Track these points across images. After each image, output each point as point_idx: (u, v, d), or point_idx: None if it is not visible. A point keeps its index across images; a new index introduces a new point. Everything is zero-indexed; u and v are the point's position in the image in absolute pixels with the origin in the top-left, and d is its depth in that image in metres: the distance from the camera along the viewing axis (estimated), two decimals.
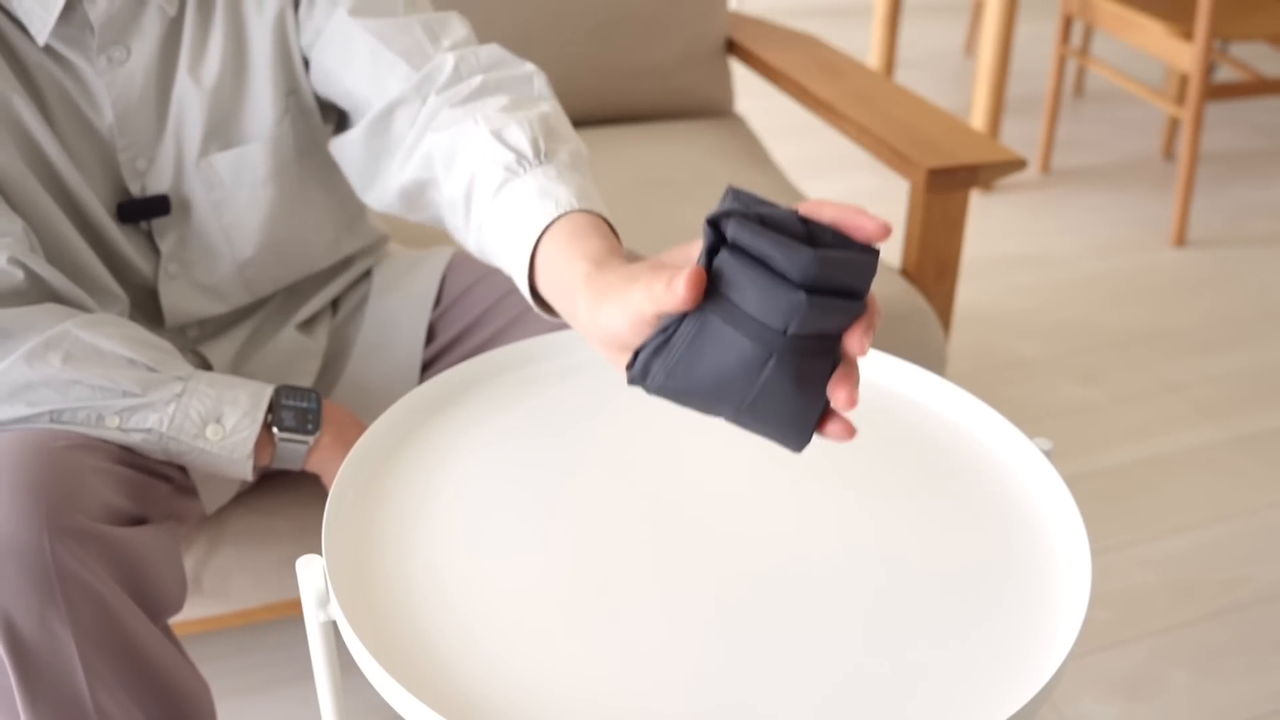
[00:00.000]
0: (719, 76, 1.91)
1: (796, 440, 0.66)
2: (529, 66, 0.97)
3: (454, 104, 0.93)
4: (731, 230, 0.62)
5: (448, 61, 0.96)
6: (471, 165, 0.88)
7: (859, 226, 0.62)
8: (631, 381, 0.67)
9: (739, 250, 0.62)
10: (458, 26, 1.00)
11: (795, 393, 0.63)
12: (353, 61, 0.99)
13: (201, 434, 0.93)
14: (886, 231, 0.61)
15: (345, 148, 1.02)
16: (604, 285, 0.70)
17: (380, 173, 1.00)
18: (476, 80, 0.94)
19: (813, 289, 0.60)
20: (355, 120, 1.02)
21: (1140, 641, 1.52)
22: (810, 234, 0.62)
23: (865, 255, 0.61)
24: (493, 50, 0.98)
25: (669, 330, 0.65)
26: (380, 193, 1.01)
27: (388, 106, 0.97)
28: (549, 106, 0.92)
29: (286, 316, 1.16)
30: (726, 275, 0.62)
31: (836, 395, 0.64)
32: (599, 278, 0.71)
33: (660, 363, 0.65)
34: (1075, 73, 3.39)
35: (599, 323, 0.69)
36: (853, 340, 0.63)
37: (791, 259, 0.60)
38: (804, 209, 0.63)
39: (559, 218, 0.80)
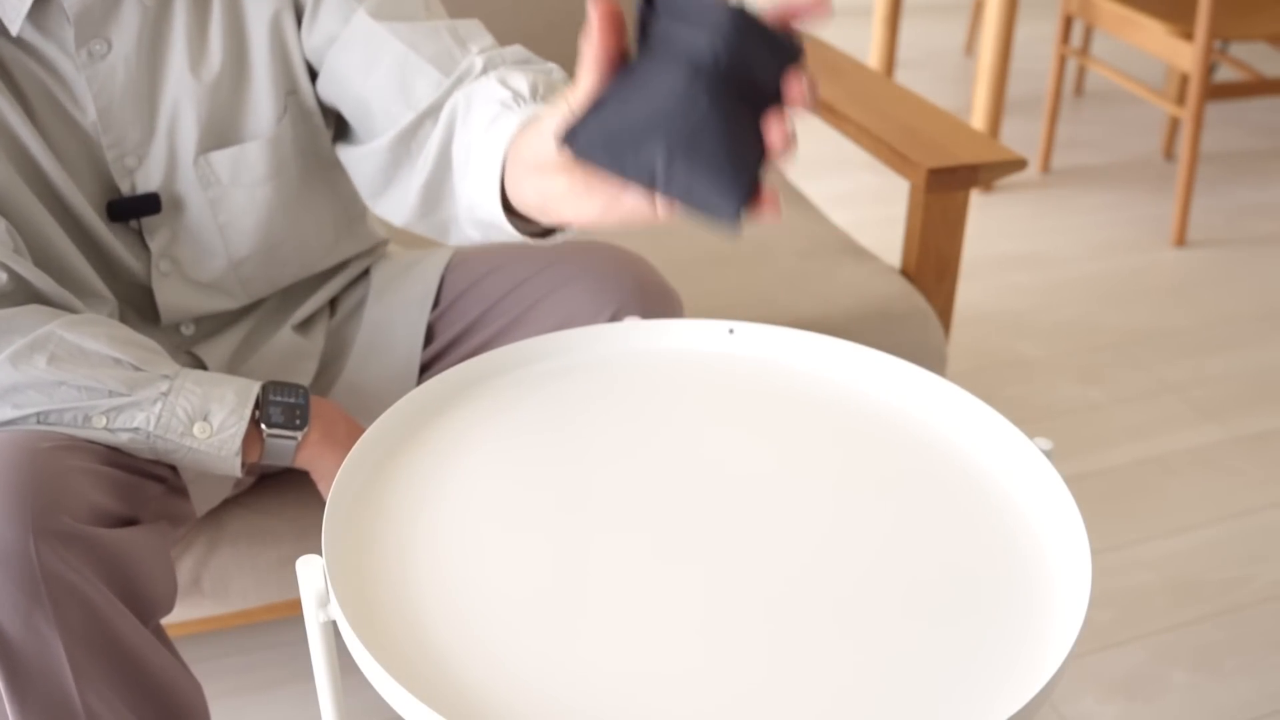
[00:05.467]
0: None
1: (731, 191, 0.62)
2: (551, 65, 0.99)
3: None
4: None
5: (477, 63, 0.97)
6: (475, 110, 0.90)
7: (793, 9, 0.63)
8: (560, 144, 0.65)
9: (666, 6, 0.63)
10: (481, 34, 1.01)
11: (726, 127, 0.61)
12: (376, 66, 0.98)
13: (189, 432, 0.92)
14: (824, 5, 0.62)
15: (364, 158, 1.01)
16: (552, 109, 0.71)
17: (399, 178, 1.01)
18: (501, 69, 0.96)
19: (735, 23, 0.61)
20: (362, 127, 1.02)
21: (1140, 641, 1.52)
22: None
23: (791, 39, 0.63)
24: (517, 49, 0.99)
25: (603, 96, 0.64)
26: (399, 196, 1.01)
27: (419, 117, 0.97)
28: (561, 78, 0.94)
29: (283, 317, 1.16)
30: (655, 27, 0.63)
31: (772, 131, 0.62)
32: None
33: (590, 113, 0.64)
34: (1075, 73, 3.39)
35: (550, 133, 0.69)
36: (791, 81, 0.62)
37: (715, 3, 0.61)
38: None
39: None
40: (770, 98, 0.63)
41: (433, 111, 0.97)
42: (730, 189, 0.62)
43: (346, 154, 1.04)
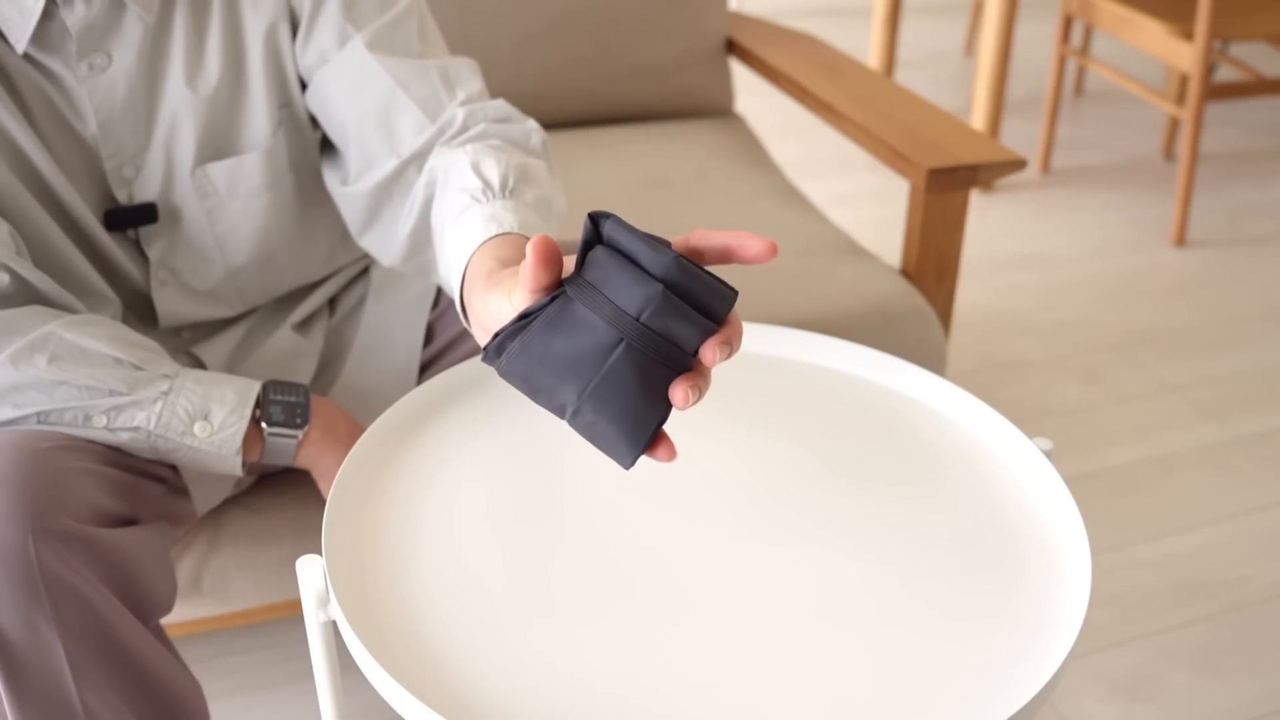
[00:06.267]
0: (719, 76, 1.92)
1: (629, 445, 0.68)
2: (530, 124, 1.00)
3: (453, 146, 0.97)
4: (607, 228, 0.67)
5: (458, 116, 0.98)
6: (450, 190, 0.91)
7: (743, 247, 0.68)
8: (485, 358, 0.70)
9: (611, 247, 0.68)
10: (471, 78, 1.02)
11: (637, 389, 0.67)
12: (362, 97, 1.00)
13: (189, 431, 0.93)
14: (773, 250, 0.67)
15: (346, 198, 1.03)
16: (500, 278, 0.74)
17: (381, 220, 1.03)
18: (479, 128, 0.98)
19: (670, 288, 0.66)
20: (340, 147, 1.03)
21: (1140, 641, 1.52)
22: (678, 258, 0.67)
23: (725, 288, 0.67)
24: (500, 105, 1.01)
25: (532, 314, 0.68)
26: (384, 237, 1.03)
27: (401, 165, 0.99)
28: (535, 161, 0.96)
29: (282, 316, 1.16)
30: (595, 264, 0.67)
31: (675, 391, 0.67)
32: (499, 273, 0.76)
33: (518, 340, 0.68)
34: (1075, 73, 3.39)
35: (487, 308, 0.73)
36: (706, 349, 0.67)
37: (655, 258, 0.66)
38: (693, 237, 0.70)
39: (495, 236, 0.83)
40: (687, 358, 0.68)
41: (415, 160, 0.99)
42: (628, 441, 0.68)
43: (331, 188, 1.06)
